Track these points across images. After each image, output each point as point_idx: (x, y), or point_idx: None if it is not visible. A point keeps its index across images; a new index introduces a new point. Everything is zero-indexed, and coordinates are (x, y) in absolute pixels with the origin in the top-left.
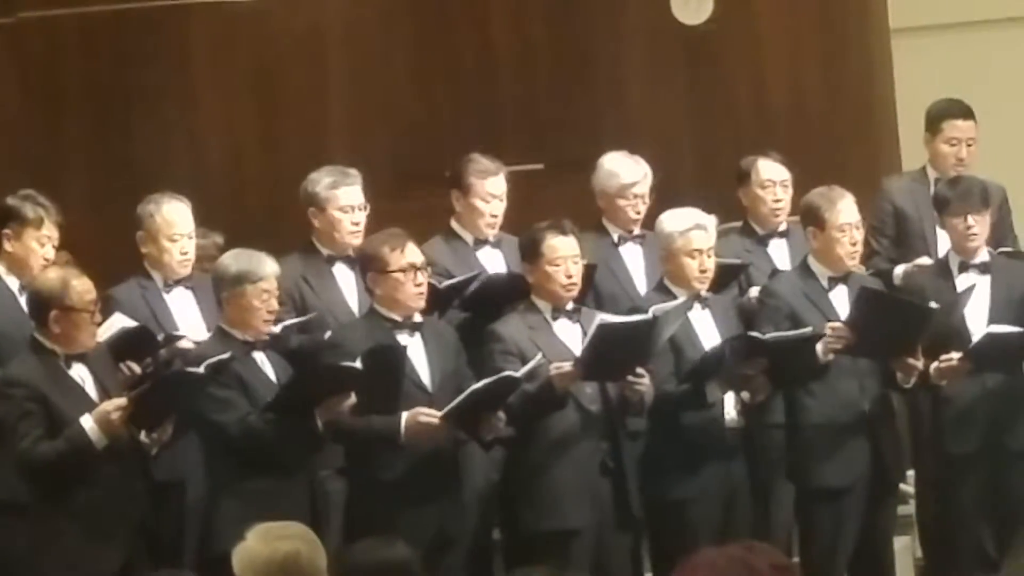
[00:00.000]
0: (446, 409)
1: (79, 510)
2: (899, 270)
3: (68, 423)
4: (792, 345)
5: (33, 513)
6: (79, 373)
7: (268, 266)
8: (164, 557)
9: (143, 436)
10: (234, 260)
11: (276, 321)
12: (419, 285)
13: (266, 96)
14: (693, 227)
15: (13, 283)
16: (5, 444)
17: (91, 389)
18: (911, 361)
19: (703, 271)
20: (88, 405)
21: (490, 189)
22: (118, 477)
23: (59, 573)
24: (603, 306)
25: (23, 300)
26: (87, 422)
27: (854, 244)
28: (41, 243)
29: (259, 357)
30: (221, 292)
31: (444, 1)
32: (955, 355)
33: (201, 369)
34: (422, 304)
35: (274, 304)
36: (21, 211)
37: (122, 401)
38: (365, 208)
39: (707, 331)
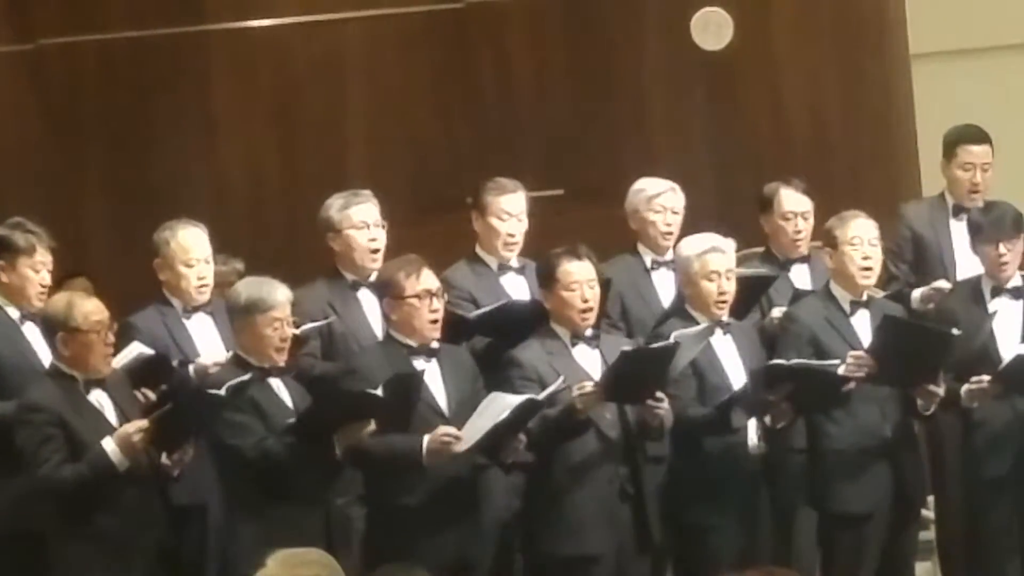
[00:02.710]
0: (472, 443)
1: (98, 534)
2: (916, 294)
3: (88, 448)
4: (816, 373)
5: (52, 538)
6: (98, 398)
7: (279, 294)
8: None
9: (164, 458)
10: (245, 289)
11: (299, 341)
12: (434, 311)
13: (285, 122)
14: (710, 250)
15: (14, 313)
16: (25, 470)
17: (110, 414)
18: (932, 388)
19: (722, 294)
20: (107, 430)
21: (505, 206)
22: (137, 501)
23: None
24: (631, 329)
25: (25, 329)
26: (109, 445)
27: (866, 259)
28: (36, 269)
29: (275, 383)
30: (233, 321)
31: (463, 27)
32: (985, 377)
33: (222, 391)
34: (437, 333)
35: (286, 332)
36: (11, 241)
37: (143, 423)
38: (382, 226)
39: (729, 356)
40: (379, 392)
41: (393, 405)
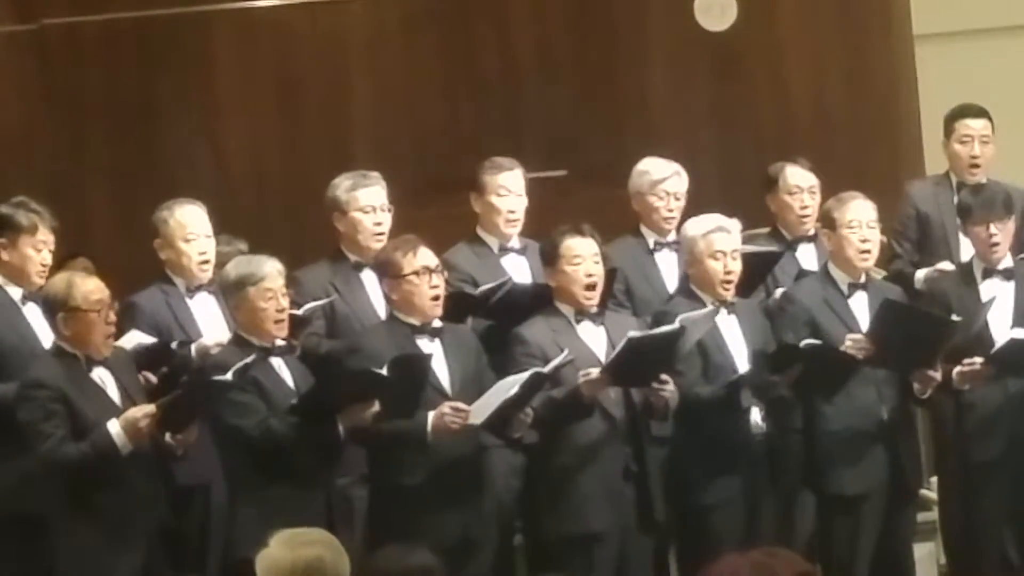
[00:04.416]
0: (481, 420)
1: (99, 513)
2: (920, 274)
3: (90, 426)
4: (828, 353)
5: (54, 517)
6: (100, 376)
7: (268, 266)
8: (188, 561)
9: (168, 437)
10: (234, 266)
11: (303, 322)
12: (434, 288)
13: (289, 103)
14: (715, 229)
15: (15, 292)
16: (27, 448)
17: (113, 393)
18: (930, 373)
19: (728, 273)
20: (110, 409)
21: (503, 183)
22: (139, 481)
23: None
24: (636, 309)
25: (26, 310)
26: (114, 427)
27: (864, 242)
28: (37, 249)
29: (276, 362)
30: (228, 301)
31: (466, 8)
32: (977, 360)
33: (229, 375)
34: (439, 310)
35: (282, 303)
36: (14, 219)
37: (151, 408)
38: (388, 210)
39: (734, 336)
40: (384, 372)
41: (398, 385)
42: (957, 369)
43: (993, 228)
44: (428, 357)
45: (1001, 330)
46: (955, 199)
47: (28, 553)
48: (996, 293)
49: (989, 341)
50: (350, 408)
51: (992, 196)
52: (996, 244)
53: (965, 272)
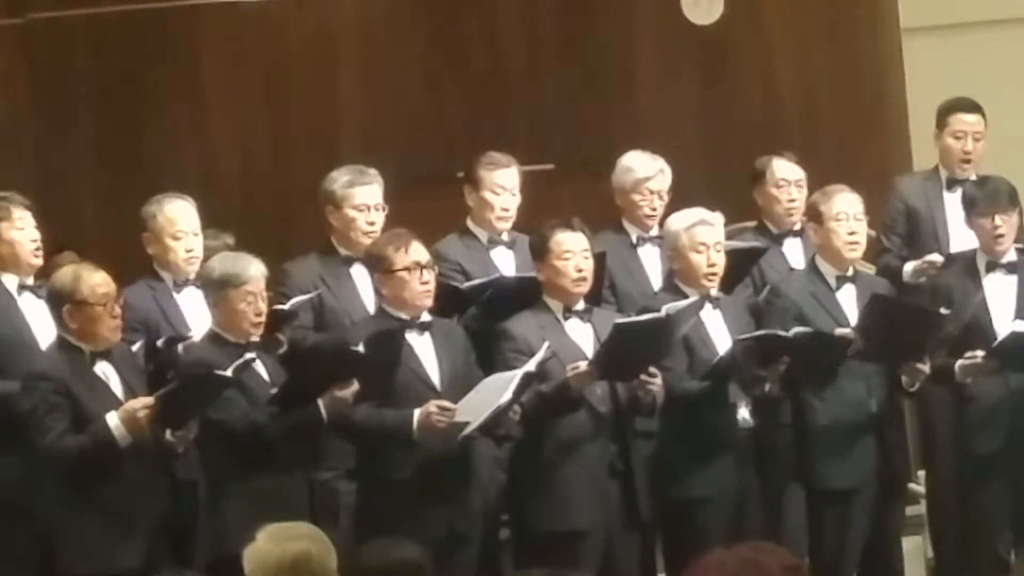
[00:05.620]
0: (473, 426)
1: (101, 505)
2: (908, 267)
3: (92, 419)
4: (818, 339)
5: (55, 509)
6: (103, 370)
7: (252, 269)
8: (187, 554)
9: (168, 435)
10: (219, 264)
11: (290, 316)
12: (425, 283)
13: (276, 96)
14: (698, 222)
15: (11, 282)
16: (29, 440)
17: (116, 386)
18: (918, 366)
19: (711, 266)
20: (112, 402)
21: (499, 181)
22: (141, 473)
23: (80, 568)
24: (620, 304)
25: (21, 301)
26: (112, 419)
27: (852, 234)
28: (20, 229)
29: (251, 356)
30: (209, 296)
31: (454, 1)
32: (979, 353)
33: (228, 372)
34: (429, 303)
35: (260, 307)
36: None
37: (149, 400)
38: (383, 209)
39: (719, 331)
40: (360, 349)
41: (375, 363)
42: (959, 362)
43: (998, 220)
44: (402, 331)
45: (1004, 323)
46: (944, 193)
47: (30, 544)
48: (999, 286)
49: (991, 334)
50: (330, 390)
51: (997, 188)
52: (1001, 236)
53: (969, 264)
